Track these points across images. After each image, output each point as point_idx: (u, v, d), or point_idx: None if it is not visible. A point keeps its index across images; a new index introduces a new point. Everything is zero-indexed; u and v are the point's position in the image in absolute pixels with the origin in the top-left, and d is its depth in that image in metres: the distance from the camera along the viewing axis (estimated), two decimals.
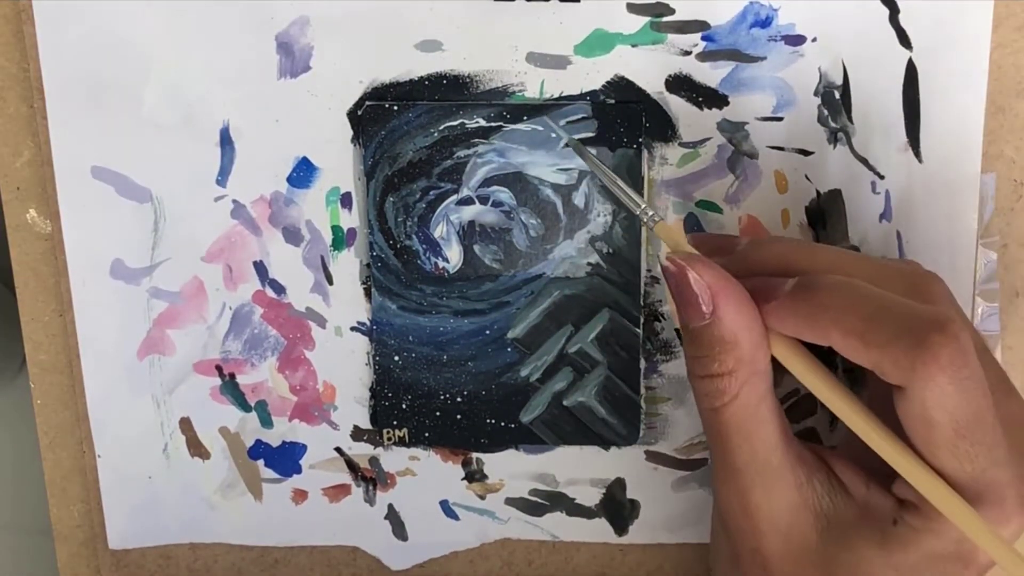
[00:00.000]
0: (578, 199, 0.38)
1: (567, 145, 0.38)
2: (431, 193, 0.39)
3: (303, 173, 0.39)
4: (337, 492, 0.42)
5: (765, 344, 0.32)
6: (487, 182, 0.39)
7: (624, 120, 0.38)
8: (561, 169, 0.38)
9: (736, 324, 0.31)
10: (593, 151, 0.38)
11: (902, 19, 0.37)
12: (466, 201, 0.39)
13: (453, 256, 0.39)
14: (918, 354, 0.28)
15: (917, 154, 0.38)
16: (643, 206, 0.34)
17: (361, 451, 0.41)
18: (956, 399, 0.29)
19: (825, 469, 0.33)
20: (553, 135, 0.38)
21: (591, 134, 0.38)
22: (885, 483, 0.32)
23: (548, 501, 0.42)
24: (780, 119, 0.38)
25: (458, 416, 0.40)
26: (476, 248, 0.39)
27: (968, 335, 0.29)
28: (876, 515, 0.32)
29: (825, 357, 0.32)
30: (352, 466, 0.41)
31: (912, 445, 0.30)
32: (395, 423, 0.41)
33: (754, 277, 0.32)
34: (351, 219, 0.39)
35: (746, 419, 0.32)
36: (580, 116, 0.38)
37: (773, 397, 0.32)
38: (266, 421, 0.41)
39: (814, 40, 0.38)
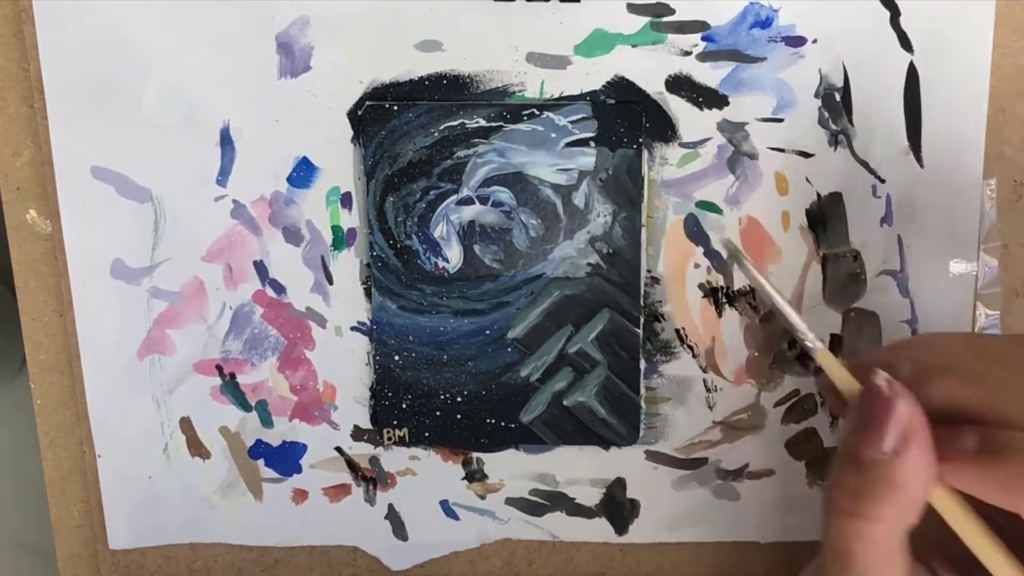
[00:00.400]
0: (578, 199, 0.38)
1: (730, 256, 0.37)
2: (431, 193, 0.39)
3: (303, 173, 0.39)
4: (337, 492, 0.42)
5: (924, 500, 0.30)
6: (487, 182, 0.39)
7: (624, 120, 0.38)
8: (561, 169, 0.38)
9: (914, 476, 0.29)
10: (588, 167, 0.37)
11: (903, 21, 0.37)
12: (466, 201, 0.39)
13: (453, 256, 0.39)
14: None
15: (918, 158, 0.38)
16: (810, 336, 0.33)
17: (361, 451, 0.41)
18: None
19: None
20: (558, 140, 0.38)
21: (591, 134, 0.38)
22: None
23: (548, 501, 0.42)
24: (780, 120, 0.38)
25: (458, 416, 0.40)
26: (476, 248, 0.39)
27: None
28: None
29: None
30: (352, 466, 0.41)
31: None
32: (395, 423, 0.41)
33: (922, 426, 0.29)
34: (351, 219, 0.39)
35: (877, 568, 0.29)
36: (580, 116, 0.38)
37: (906, 550, 0.30)
38: (266, 421, 0.41)
39: (815, 41, 0.38)
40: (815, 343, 0.33)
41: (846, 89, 0.38)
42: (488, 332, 0.40)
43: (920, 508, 0.29)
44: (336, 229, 0.39)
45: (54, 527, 0.43)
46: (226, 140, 0.39)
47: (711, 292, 0.40)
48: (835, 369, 0.32)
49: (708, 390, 0.40)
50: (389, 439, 0.41)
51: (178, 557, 0.43)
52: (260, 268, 0.40)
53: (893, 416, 0.29)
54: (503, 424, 0.40)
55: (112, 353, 0.40)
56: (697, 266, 0.39)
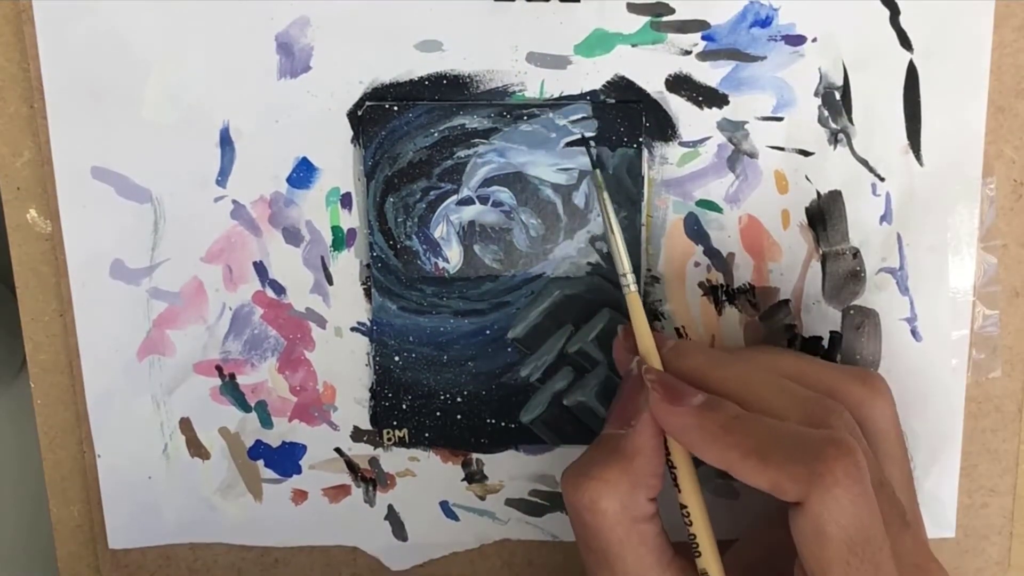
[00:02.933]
0: (578, 199, 0.38)
1: (594, 168, 0.38)
2: (431, 193, 0.39)
3: (303, 173, 0.39)
4: (337, 492, 0.42)
5: (659, 469, 0.34)
6: (487, 182, 0.39)
7: (624, 119, 0.38)
8: (561, 169, 0.38)
9: (639, 446, 0.33)
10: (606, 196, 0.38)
11: (903, 20, 0.37)
12: (466, 201, 0.39)
13: (453, 256, 0.39)
14: (815, 467, 0.30)
15: (918, 156, 0.38)
16: (627, 271, 0.35)
17: (361, 451, 0.41)
18: (849, 514, 0.30)
19: None
20: (554, 135, 0.38)
21: (591, 133, 0.38)
22: None
23: (548, 502, 0.42)
24: (780, 119, 0.38)
25: (458, 416, 0.40)
26: (476, 248, 0.39)
27: (863, 458, 0.30)
28: None
29: None
30: (352, 467, 0.41)
31: (805, 564, 0.31)
32: (395, 423, 0.41)
33: (670, 376, 0.34)
34: (351, 219, 0.39)
35: (623, 535, 0.33)
36: (580, 116, 0.38)
37: (657, 520, 0.34)
38: (266, 421, 0.41)
39: (814, 40, 0.38)
40: (631, 285, 0.35)
41: (846, 88, 0.38)
42: (488, 332, 0.40)
43: (653, 477, 0.33)
44: (336, 230, 0.39)
45: (54, 527, 0.43)
46: (226, 140, 0.39)
47: (711, 291, 0.40)
48: (639, 316, 0.35)
49: None
50: (389, 440, 0.41)
51: (178, 557, 0.42)
52: (260, 269, 0.40)
53: (632, 397, 0.34)
54: (503, 424, 0.40)
55: (112, 354, 0.40)
56: (697, 265, 0.39)
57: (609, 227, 0.35)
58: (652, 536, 0.33)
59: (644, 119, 0.38)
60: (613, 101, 0.38)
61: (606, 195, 0.36)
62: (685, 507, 0.34)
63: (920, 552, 0.33)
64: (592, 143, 0.38)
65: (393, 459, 0.41)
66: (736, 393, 0.33)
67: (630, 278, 0.35)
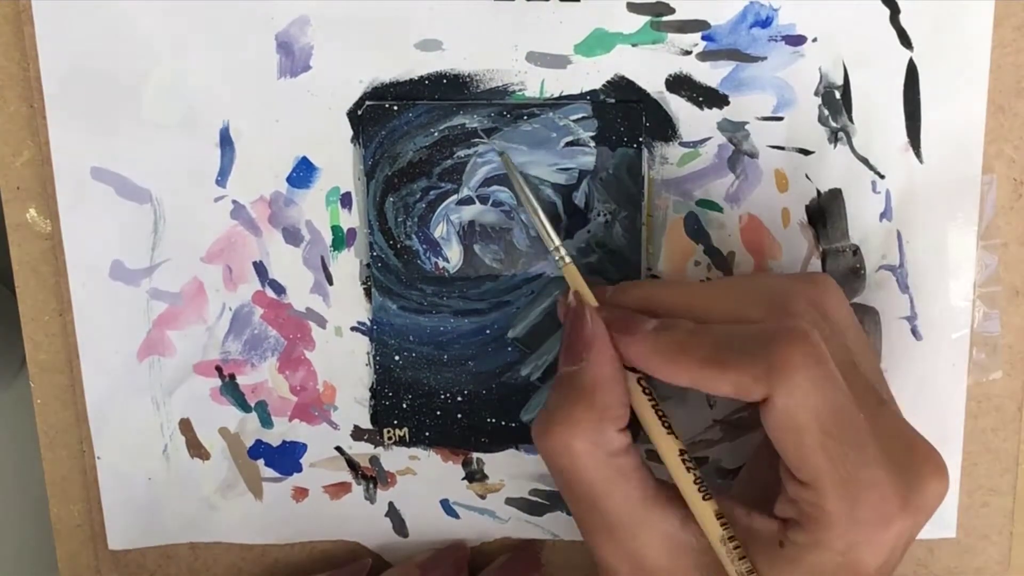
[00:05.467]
0: (578, 199, 0.38)
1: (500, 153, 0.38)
2: (431, 193, 0.39)
3: (303, 173, 0.39)
4: (338, 490, 0.42)
5: (623, 398, 0.33)
6: (487, 182, 0.39)
7: (624, 119, 0.38)
8: (561, 169, 0.38)
9: (598, 377, 0.33)
10: (588, 166, 0.38)
11: (903, 19, 0.37)
12: (466, 201, 0.39)
13: (453, 256, 0.39)
14: (771, 359, 0.30)
15: (918, 154, 0.38)
16: (556, 244, 0.36)
17: (361, 450, 0.41)
18: (816, 397, 0.30)
19: None
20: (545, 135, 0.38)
21: (592, 133, 0.38)
22: (767, 508, 0.33)
23: (548, 501, 0.42)
24: (780, 119, 0.38)
25: (458, 416, 0.40)
26: (476, 248, 0.39)
27: (820, 339, 0.30)
28: (761, 540, 0.33)
29: None
30: (352, 465, 0.41)
31: (788, 463, 0.31)
32: (395, 423, 0.41)
33: (619, 310, 0.34)
34: (351, 219, 0.39)
35: (603, 473, 0.33)
36: (580, 116, 0.38)
37: (634, 453, 0.33)
38: (266, 421, 0.41)
39: (814, 40, 0.38)
40: (564, 258, 0.36)
41: (846, 87, 0.38)
42: (488, 332, 0.40)
43: (617, 408, 0.33)
44: (336, 229, 0.39)
45: (54, 527, 0.43)
46: (226, 140, 0.39)
47: None
48: (580, 284, 0.35)
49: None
50: (389, 439, 0.41)
51: (178, 557, 0.42)
52: (260, 269, 0.40)
53: (578, 330, 0.34)
54: (504, 423, 0.40)
55: (112, 355, 0.40)
56: (698, 264, 0.39)
57: (528, 204, 0.36)
58: (632, 469, 0.33)
59: (644, 119, 0.38)
60: (613, 101, 0.38)
61: (519, 175, 0.37)
62: (684, 452, 0.34)
63: (901, 426, 0.33)
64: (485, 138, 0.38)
65: (393, 458, 0.41)
66: (690, 307, 0.34)
67: (562, 251, 0.36)
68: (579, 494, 0.33)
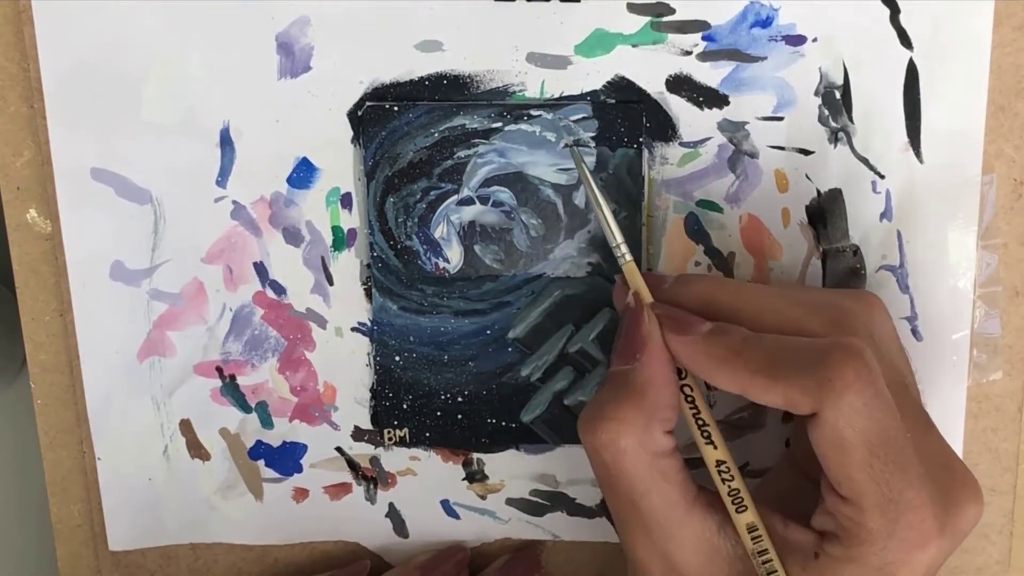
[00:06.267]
0: (579, 199, 0.38)
1: (567, 146, 0.38)
2: (431, 193, 0.39)
3: (303, 173, 0.39)
4: (338, 490, 0.42)
5: (673, 401, 0.33)
6: (487, 182, 0.39)
7: (625, 120, 0.38)
8: (561, 169, 0.38)
9: (649, 378, 0.33)
10: (591, 166, 0.38)
11: (903, 19, 0.37)
12: (466, 201, 0.39)
13: (454, 256, 0.39)
14: (824, 375, 0.30)
15: (918, 154, 0.38)
16: (620, 242, 0.35)
17: (362, 451, 0.41)
18: (865, 417, 0.30)
19: None
20: (554, 138, 0.38)
21: (592, 134, 0.38)
22: (803, 520, 0.33)
23: (549, 501, 0.42)
24: (781, 119, 0.38)
25: (459, 416, 0.40)
26: (477, 248, 0.39)
27: (873, 358, 0.30)
28: (797, 551, 0.33)
29: None
30: (353, 465, 0.41)
31: (831, 476, 0.31)
32: (396, 423, 0.41)
33: (674, 309, 0.34)
34: (351, 220, 0.39)
35: (645, 472, 0.33)
36: (581, 116, 0.38)
37: (677, 456, 0.34)
38: (266, 422, 0.41)
39: (815, 40, 0.38)
40: (625, 255, 0.35)
41: (846, 87, 0.38)
42: (489, 332, 0.40)
43: (666, 410, 0.33)
44: (336, 230, 0.39)
45: (54, 527, 0.43)
46: (226, 141, 0.39)
47: None
48: (639, 284, 0.35)
49: (708, 388, 0.40)
50: (390, 440, 0.41)
51: (178, 557, 0.42)
52: (260, 269, 0.40)
53: (634, 330, 0.34)
54: (504, 424, 0.40)
55: (112, 355, 0.40)
56: (698, 264, 0.39)
57: (595, 200, 0.36)
58: (674, 472, 0.33)
59: (644, 119, 0.38)
60: (613, 101, 0.38)
61: (587, 170, 0.36)
62: (723, 462, 0.34)
63: (944, 449, 0.33)
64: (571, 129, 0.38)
65: (394, 458, 0.41)
66: (748, 312, 0.34)
67: (624, 248, 0.35)
68: (619, 491, 0.33)
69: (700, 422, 0.34)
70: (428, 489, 0.42)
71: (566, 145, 0.38)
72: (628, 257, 0.35)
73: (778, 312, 0.33)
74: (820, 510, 0.32)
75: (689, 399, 0.34)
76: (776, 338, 0.32)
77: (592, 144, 0.38)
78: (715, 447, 0.34)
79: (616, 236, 0.35)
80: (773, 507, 0.34)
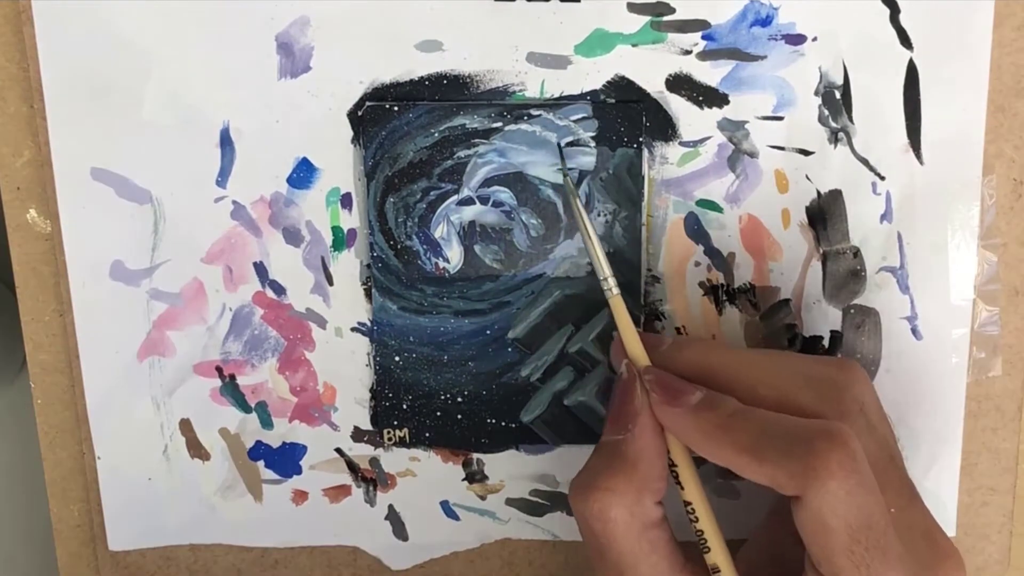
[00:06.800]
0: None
1: (561, 172, 0.38)
2: (431, 193, 0.39)
3: (303, 174, 0.39)
4: (337, 493, 0.42)
5: (664, 472, 0.34)
6: (487, 182, 0.39)
7: (624, 119, 0.38)
8: (561, 169, 0.38)
9: (640, 449, 0.34)
10: (590, 167, 0.38)
11: (903, 19, 0.37)
12: (466, 201, 0.39)
13: (454, 256, 0.39)
14: (809, 462, 0.30)
15: (918, 155, 0.38)
16: (607, 275, 0.36)
17: (361, 452, 0.41)
18: (848, 504, 0.30)
19: None
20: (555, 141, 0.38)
21: (592, 133, 0.38)
22: (779, 571, 0.34)
23: (548, 501, 0.42)
24: (780, 118, 0.38)
25: (459, 416, 0.40)
26: (477, 248, 0.39)
27: (858, 443, 0.31)
28: None
29: None
30: (352, 467, 0.41)
31: (812, 556, 0.31)
32: (395, 423, 0.41)
33: (667, 376, 0.34)
34: (351, 220, 0.39)
35: (635, 543, 0.33)
36: (580, 116, 0.38)
37: (666, 526, 0.34)
38: (266, 422, 0.41)
39: (815, 39, 0.38)
40: (613, 288, 0.36)
41: (846, 87, 0.38)
42: (489, 332, 0.40)
43: (657, 481, 0.34)
44: (336, 230, 0.39)
45: (54, 527, 0.43)
46: (226, 141, 0.39)
47: (711, 290, 0.40)
48: (623, 319, 0.36)
49: None
50: (389, 440, 0.41)
51: (178, 558, 0.42)
52: (260, 269, 0.40)
53: (627, 401, 0.34)
54: (503, 424, 0.40)
55: (112, 355, 0.40)
56: (697, 264, 0.39)
57: (584, 232, 0.36)
58: (663, 543, 0.34)
59: (644, 119, 0.38)
60: (613, 101, 0.38)
61: (578, 201, 0.36)
62: (689, 503, 0.34)
63: (926, 522, 0.33)
64: (561, 146, 0.38)
65: (393, 459, 0.41)
66: (742, 382, 0.34)
67: (611, 282, 0.36)
68: (609, 560, 0.34)
69: (686, 503, 0.35)
70: (428, 490, 0.42)
71: (559, 171, 0.38)
72: (615, 291, 0.36)
73: (771, 385, 0.34)
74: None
75: (672, 469, 0.35)
76: (764, 416, 0.32)
77: (592, 144, 0.38)
78: (682, 487, 0.34)
79: (605, 269, 0.36)
80: (762, 572, 0.35)
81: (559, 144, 0.38)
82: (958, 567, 0.33)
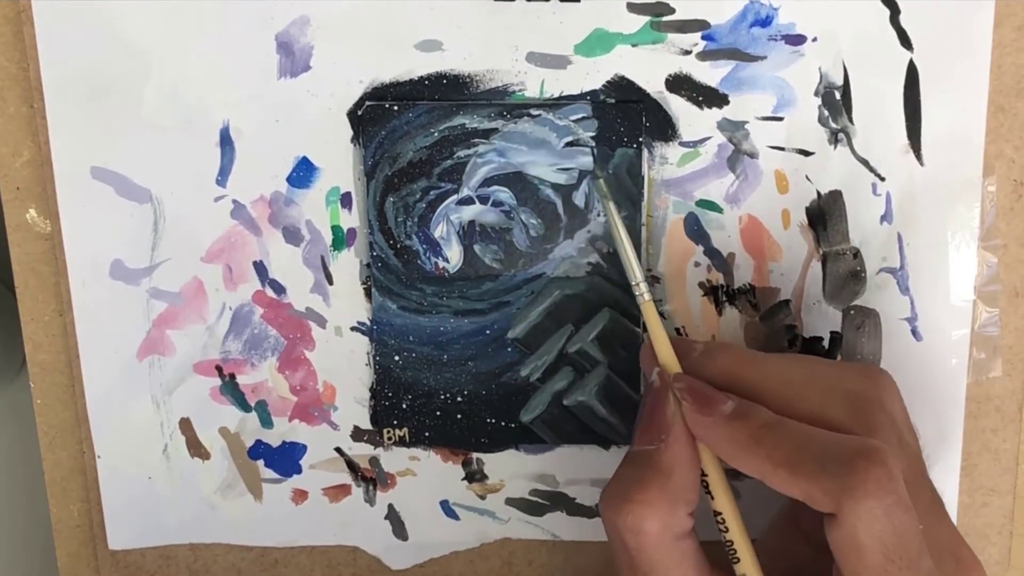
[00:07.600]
0: (578, 199, 0.38)
1: (594, 177, 0.38)
2: (431, 193, 0.39)
3: (303, 173, 0.39)
4: (337, 492, 0.42)
5: (697, 482, 0.34)
6: (487, 182, 0.39)
7: (624, 119, 0.38)
8: (561, 169, 0.38)
9: (673, 460, 0.33)
10: (589, 167, 0.38)
11: (903, 19, 0.37)
12: (466, 201, 0.39)
13: (453, 256, 0.39)
14: (846, 480, 0.30)
15: (918, 156, 0.38)
16: (639, 280, 0.36)
17: (361, 451, 0.41)
18: (884, 523, 0.30)
19: None
20: (556, 137, 0.38)
21: (592, 133, 0.38)
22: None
23: (548, 501, 0.42)
24: (780, 119, 0.38)
25: (458, 416, 0.40)
26: (476, 248, 0.39)
27: (896, 462, 0.30)
28: None
29: None
30: (352, 466, 0.41)
31: (843, 573, 0.31)
32: (395, 423, 0.41)
33: (699, 384, 0.34)
34: (351, 219, 0.39)
35: (667, 555, 0.33)
36: (580, 116, 0.38)
37: (695, 536, 0.34)
38: (266, 421, 0.41)
39: (814, 40, 0.38)
40: (645, 294, 0.36)
41: (846, 87, 0.38)
42: (488, 332, 0.40)
43: (691, 492, 0.33)
44: (336, 229, 0.39)
45: (54, 527, 0.43)
46: (226, 140, 0.39)
47: (711, 291, 0.40)
48: (655, 326, 0.35)
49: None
50: (389, 439, 0.41)
51: (178, 557, 0.42)
52: (260, 268, 0.40)
53: (659, 411, 0.34)
54: (503, 424, 0.40)
55: (112, 354, 0.40)
56: (697, 264, 0.39)
57: (619, 236, 0.36)
58: (693, 551, 0.34)
59: (644, 119, 0.38)
60: (613, 101, 0.38)
61: (612, 204, 0.36)
62: (719, 513, 0.34)
63: (953, 538, 0.33)
64: (595, 150, 0.38)
65: (393, 458, 0.41)
66: (775, 391, 0.33)
67: (643, 287, 0.36)
68: (639, 570, 0.33)
69: (716, 514, 0.34)
70: (428, 489, 0.42)
71: (593, 177, 0.38)
72: (647, 296, 0.36)
73: (804, 397, 0.33)
74: None
75: (703, 481, 0.34)
76: (799, 429, 0.32)
77: (592, 143, 0.38)
78: (712, 497, 0.34)
79: (637, 274, 0.36)
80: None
81: (592, 148, 0.38)
82: None
